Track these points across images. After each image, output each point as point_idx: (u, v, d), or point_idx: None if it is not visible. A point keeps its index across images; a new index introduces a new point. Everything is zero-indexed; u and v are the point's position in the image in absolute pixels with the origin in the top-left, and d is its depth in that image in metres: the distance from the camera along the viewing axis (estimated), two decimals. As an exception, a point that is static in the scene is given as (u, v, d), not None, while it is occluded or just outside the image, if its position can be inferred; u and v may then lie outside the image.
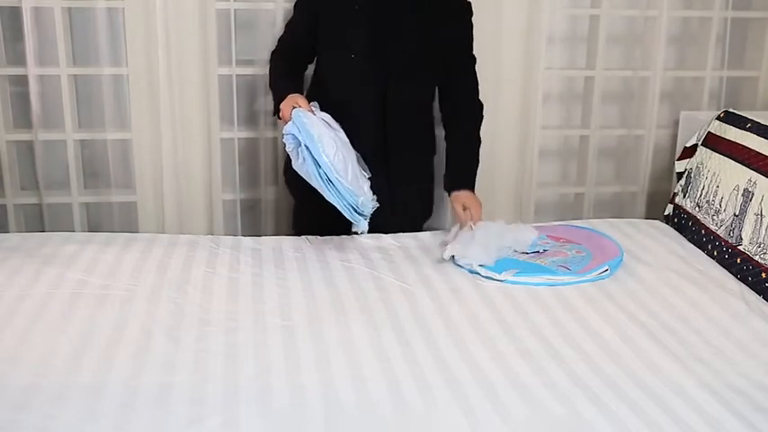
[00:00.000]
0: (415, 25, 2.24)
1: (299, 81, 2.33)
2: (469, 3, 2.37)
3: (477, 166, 2.39)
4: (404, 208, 2.39)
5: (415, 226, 2.46)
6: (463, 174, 2.33)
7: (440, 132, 2.46)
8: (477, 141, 2.39)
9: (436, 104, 2.46)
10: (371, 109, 2.28)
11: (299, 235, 2.36)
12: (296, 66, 2.34)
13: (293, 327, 1.75)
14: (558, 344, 1.70)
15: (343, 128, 2.14)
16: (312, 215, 2.38)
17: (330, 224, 2.27)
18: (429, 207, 2.54)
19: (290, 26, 2.39)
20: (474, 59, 2.40)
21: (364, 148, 2.17)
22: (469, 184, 2.31)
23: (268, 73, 2.34)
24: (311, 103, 2.10)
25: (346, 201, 2.02)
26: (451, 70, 2.34)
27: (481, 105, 2.41)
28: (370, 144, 2.22)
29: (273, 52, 2.37)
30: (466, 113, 2.39)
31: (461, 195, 2.28)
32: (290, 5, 2.64)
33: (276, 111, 2.16)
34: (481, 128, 2.41)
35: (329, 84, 2.31)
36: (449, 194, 2.33)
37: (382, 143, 2.29)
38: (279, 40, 2.40)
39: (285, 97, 2.10)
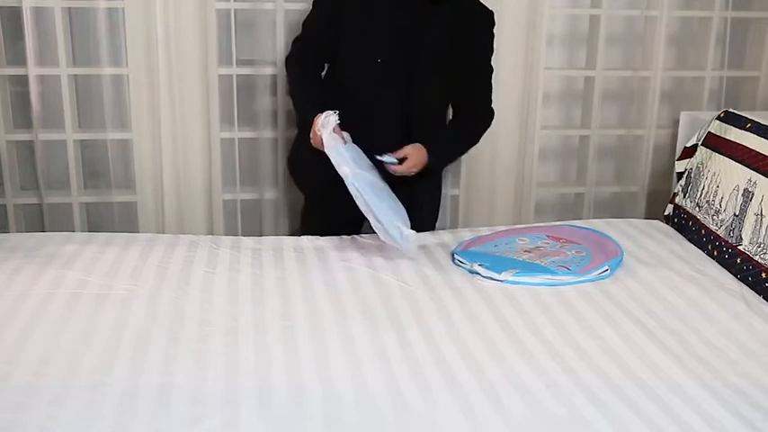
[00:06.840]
0: (440, 29, 2.22)
1: (323, 89, 2.28)
2: (493, 14, 2.33)
3: (454, 151, 2.36)
4: (420, 208, 2.34)
5: (428, 226, 2.45)
6: (435, 141, 2.24)
7: None
8: (469, 133, 2.36)
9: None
10: (393, 112, 2.25)
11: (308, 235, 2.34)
12: (316, 69, 2.31)
13: (293, 327, 1.75)
14: (558, 344, 1.70)
15: (364, 131, 2.14)
16: (322, 216, 2.38)
17: (339, 225, 2.28)
18: (437, 209, 2.56)
19: (308, 26, 2.32)
20: (491, 69, 2.37)
21: (382, 149, 2.16)
22: (430, 147, 2.21)
23: (288, 79, 2.36)
24: (344, 134, 2.09)
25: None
26: (469, 76, 2.31)
27: (491, 112, 2.39)
28: (389, 146, 2.18)
29: (290, 57, 2.33)
30: (473, 113, 2.38)
31: (410, 147, 2.19)
32: (291, 5, 2.65)
33: (304, 123, 2.17)
34: (483, 133, 2.40)
35: (350, 87, 2.25)
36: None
37: (402, 144, 2.22)
38: (295, 42, 2.34)
39: (312, 116, 2.10)
